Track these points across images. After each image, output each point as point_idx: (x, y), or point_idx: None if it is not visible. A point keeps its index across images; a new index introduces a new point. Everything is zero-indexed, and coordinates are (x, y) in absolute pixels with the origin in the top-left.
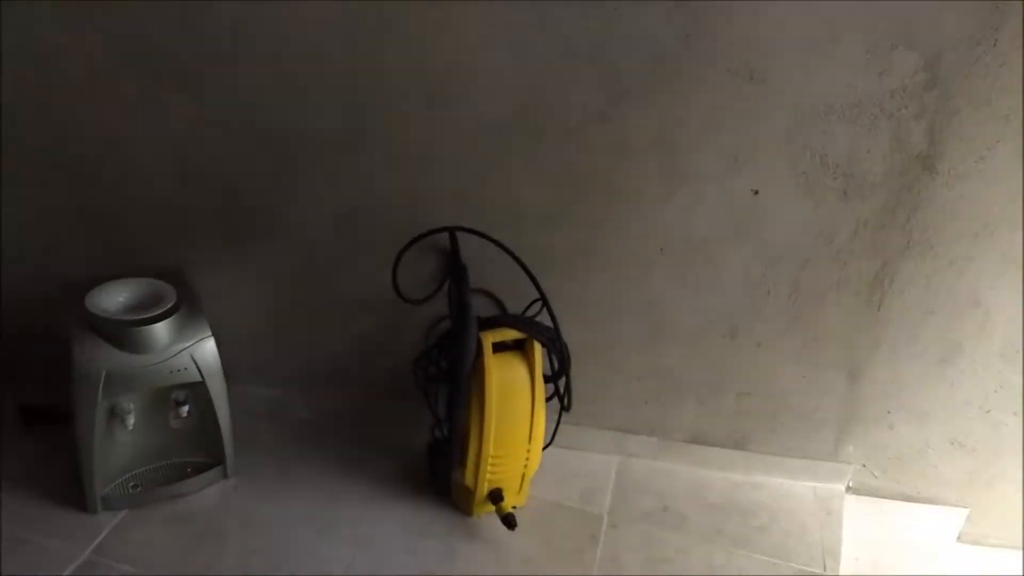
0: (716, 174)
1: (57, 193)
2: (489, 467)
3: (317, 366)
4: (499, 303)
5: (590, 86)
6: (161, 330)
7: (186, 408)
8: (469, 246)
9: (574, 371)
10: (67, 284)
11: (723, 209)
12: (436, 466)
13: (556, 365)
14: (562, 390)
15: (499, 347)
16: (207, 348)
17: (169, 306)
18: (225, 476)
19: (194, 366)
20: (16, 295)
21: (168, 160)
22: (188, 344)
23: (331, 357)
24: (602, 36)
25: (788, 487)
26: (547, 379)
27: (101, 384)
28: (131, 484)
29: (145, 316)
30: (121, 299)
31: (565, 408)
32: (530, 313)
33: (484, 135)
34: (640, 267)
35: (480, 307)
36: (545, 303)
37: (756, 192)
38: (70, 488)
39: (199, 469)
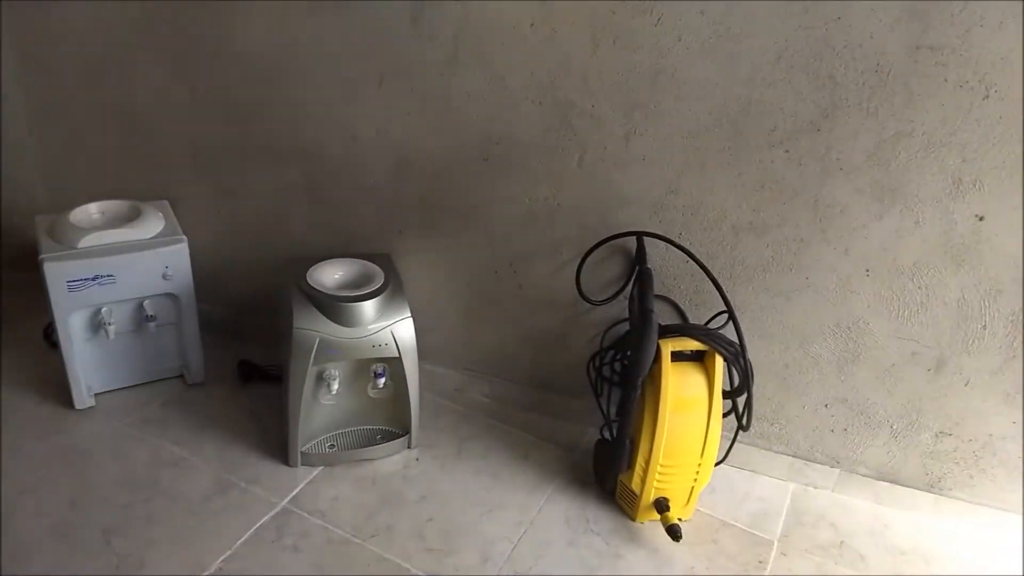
0: (935, 196)
1: (293, 176)
2: (657, 475)
3: (498, 355)
4: (681, 312)
5: (802, 95)
6: (369, 308)
7: (383, 380)
8: (655, 252)
9: (755, 390)
10: (292, 258)
11: (940, 233)
12: (603, 466)
13: (737, 381)
14: (741, 408)
15: (678, 356)
16: (406, 328)
17: (377, 287)
18: (409, 447)
19: (393, 343)
20: (248, 263)
21: (389, 154)
22: (390, 322)
23: (511, 347)
24: (820, 44)
25: (984, 540)
26: (726, 395)
27: (314, 351)
28: (328, 444)
29: (356, 294)
30: (337, 276)
31: (743, 427)
32: (713, 325)
33: (684, 140)
34: (841, 288)
35: (661, 314)
36: (731, 316)
37: (981, 218)
38: (275, 441)
39: (387, 437)
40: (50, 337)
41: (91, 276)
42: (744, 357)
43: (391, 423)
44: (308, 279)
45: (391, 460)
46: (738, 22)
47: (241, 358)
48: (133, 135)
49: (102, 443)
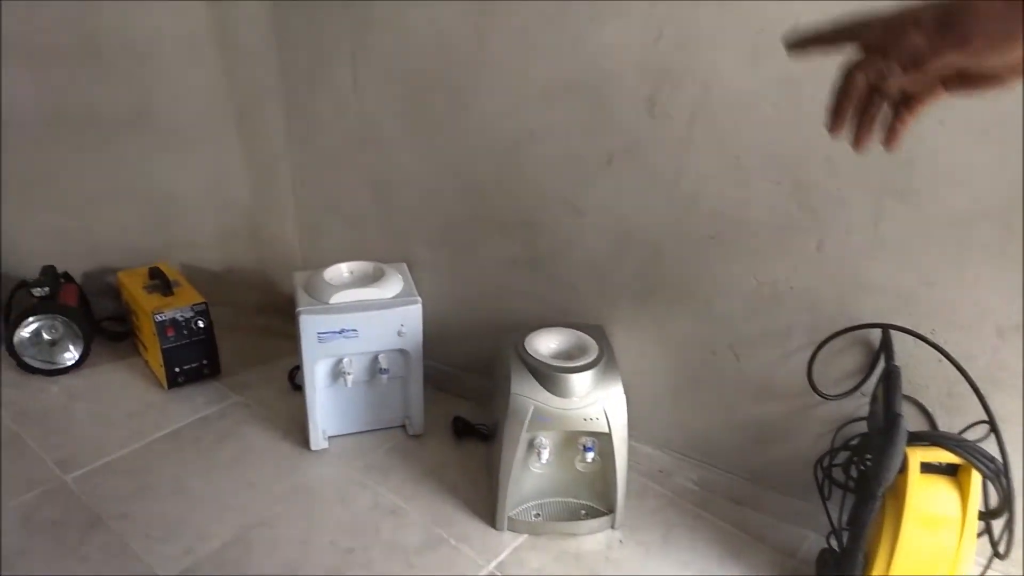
0: None
1: (517, 247)
2: None
3: (709, 440)
4: (929, 417)
5: None
6: (583, 379)
7: (591, 455)
8: (902, 347)
9: (1019, 513)
10: (512, 324)
11: None
12: None
13: (996, 502)
14: (998, 532)
15: (927, 468)
16: (617, 402)
17: (591, 359)
18: (612, 527)
19: (604, 417)
20: (471, 325)
21: (611, 228)
22: (602, 396)
23: (725, 434)
24: None
25: None
26: (981, 516)
27: (528, 418)
28: (534, 512)
29: (572, 365)
30: (552, 345)
31: (999, 555)
32: (969, 435)
33: (944, 230)
34: None
35: (907, 418)
36: (993, 427)
37: None
38: (483, 501)
39: (591, 514)
40: (294, 380)
41: (338, 329)
42: (1007, 475)
43: (596, 499)
44: (526, 346)
45: (594, 538)
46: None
47: (456, 415)
48: (382, 203)
49: (331, 485)
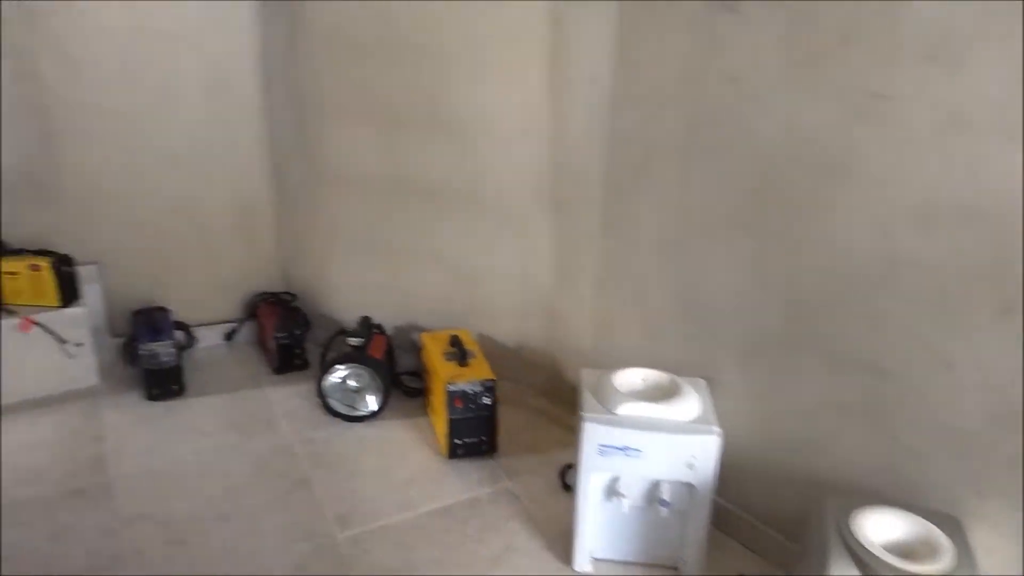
0: None
1: (852, 390)
2: None
3: None
4: None
5: None
6: None
7: None
8: None
9: None
10: (833, 488)
11: None
12: None
13: None
14: None
15: None
16: None
17: (943, 564)
18: None
19: None
20: (777, 469)
21: (991, 396)
22: None
23: None
24: None
25: None
26: None
27: None
28: None
29: (916, 570)
30: (890, 534)
31: None
32: None
33: None
34: None
35: None
36: None
37: None
38: None
39: None
40: (565, 478)
41: (621, 446)
42: None
43: None
44: (853, 527)
45: None
46: None
47: (741, 574)
48: (688, 308)
49: None
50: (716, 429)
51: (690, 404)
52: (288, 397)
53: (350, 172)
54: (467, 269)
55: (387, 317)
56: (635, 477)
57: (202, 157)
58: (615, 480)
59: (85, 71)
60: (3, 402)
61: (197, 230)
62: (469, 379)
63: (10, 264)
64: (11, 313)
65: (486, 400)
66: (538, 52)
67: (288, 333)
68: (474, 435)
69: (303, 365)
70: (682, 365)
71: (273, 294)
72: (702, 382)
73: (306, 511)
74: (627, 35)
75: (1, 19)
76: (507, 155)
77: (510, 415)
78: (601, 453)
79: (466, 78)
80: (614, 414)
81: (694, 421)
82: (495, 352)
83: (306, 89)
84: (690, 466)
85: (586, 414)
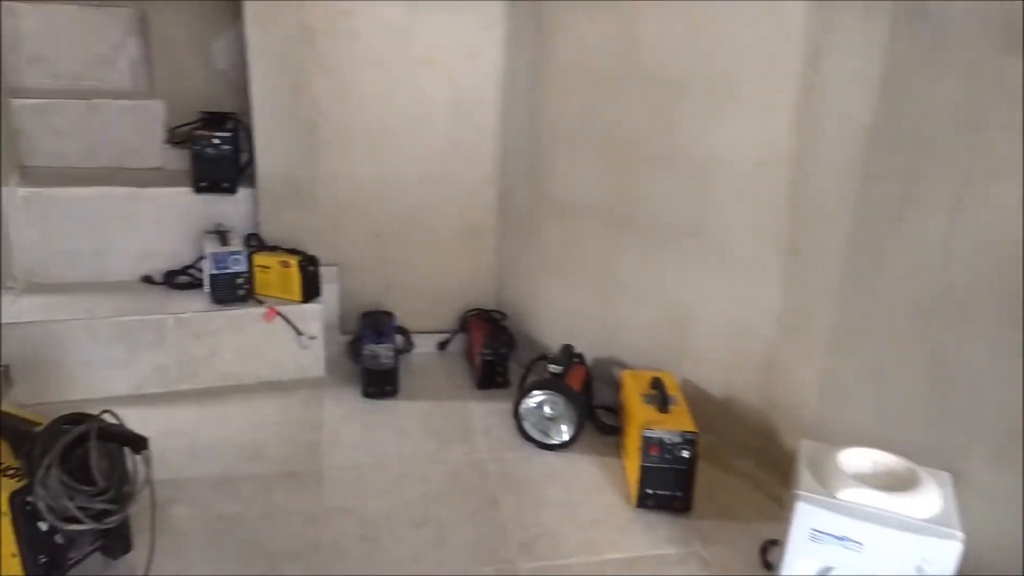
0: None
1: None
2: None
3: None
4: None
5: None
6: None
7: None
8: None
9: None
10: None
11: None
12: None
13: None
14: None
15: None
16: None
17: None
18: None
19: None
20: None
21: None
22: None
23: None
24: None
25: None
26: None
27: None
28: None
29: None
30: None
31: None
32: None
33: None
34: None
35: None
36: None
37: None
38: None
39: None
40: (766, 556)
41: (839, 535)
42: None
43: None
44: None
45: None
46: None
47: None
48: (937, 386)
49: None
50: (958, 533)
51: (928, 499)
52: (487, 413)
53: (573, 200)
54: (680, 309)
55: (589, 348)
56: (851, 572)
57: (441, 175)
58: (827, 570)
59: (350, 90)
60: (243, 382)
61: (427, 243)
62: (668, 427)
63: (264, 259)
64: (259, 303)
65: (684, 453)
66: (789, 86)
67: (493, 351)
68: (667, 487)
69: (504, 383)
70: (923, 452)
71: (485, 311)
72: (946, 475)
73: (492, 533)
74: (894, 72)
75: (284, 37)
76: (740, 192)
77: (709, 473)
78: (814, 539)
79: (707, 112)
80: (835, 498)
81: (931, 520)
82: (699, 401)
83: (541, 117)
84: (919, 571)
85: (801, 492)
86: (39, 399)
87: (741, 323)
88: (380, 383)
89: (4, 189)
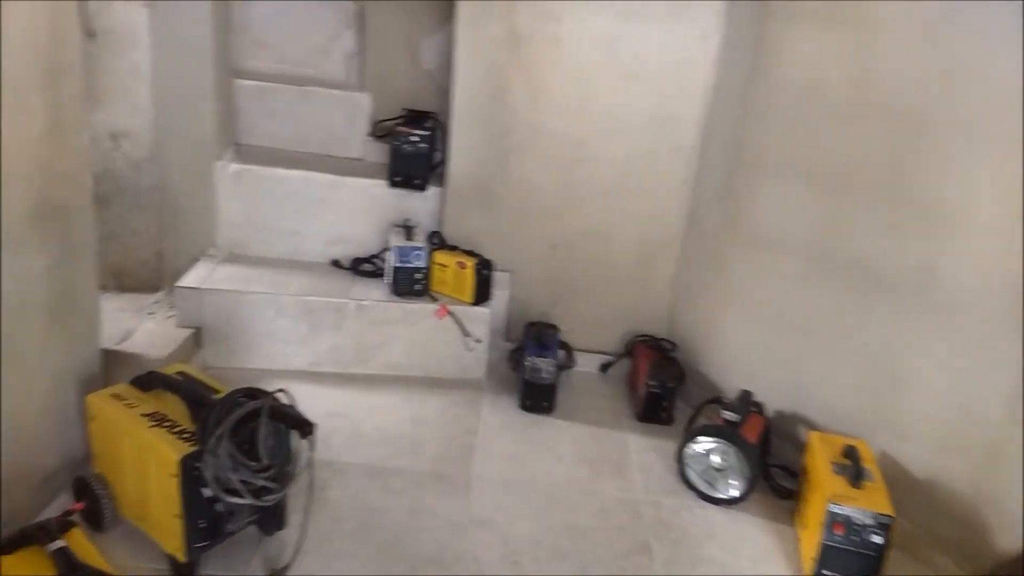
0: None
1: None
2: None
3: None
4: None
5: None
6: None
7: None
8: None
9: None
10: None
11: None
12: None
13: None
14: None
15: None
16: None
17: None
18: None
19: None
20: None
21: None
22: None
23: None
24: None
25: None
26: None
27: None
28: None
29: None
30: None
31: None
32: None
33: None
34: None
35: None
36: None
37: None
38: None
39: None
40: None
41: None
42: None
43: None
44: None
45: None
46: None
47: None
48: None
49: None
50: None
51: None
52: (646, 449)
53: (770, 232)
54: (885, 371)
55: (771, 398)
56: None
57: (626, 191)
58: None
59: (547, 97)
60: (407, 374)
61: (602, 260)
62: (860, 505)
63: (443, 257)
64: (433, 299)
65: (876, 538)
66: None
67: (660, 383)
68: (850, 572)
69: (668, 420)
70: None
71: (654, 338)
72: None
73: None
74: None
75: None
76: (980, 248)
77: (900, 562)
78: None
79: (946, 151)
80: None
81: None
82: (898, 480)
83: (746, 138)
84: None
85: None
86: (223, 363)
87: (961, 400)
88: (538, 397)
89: (218, 163)
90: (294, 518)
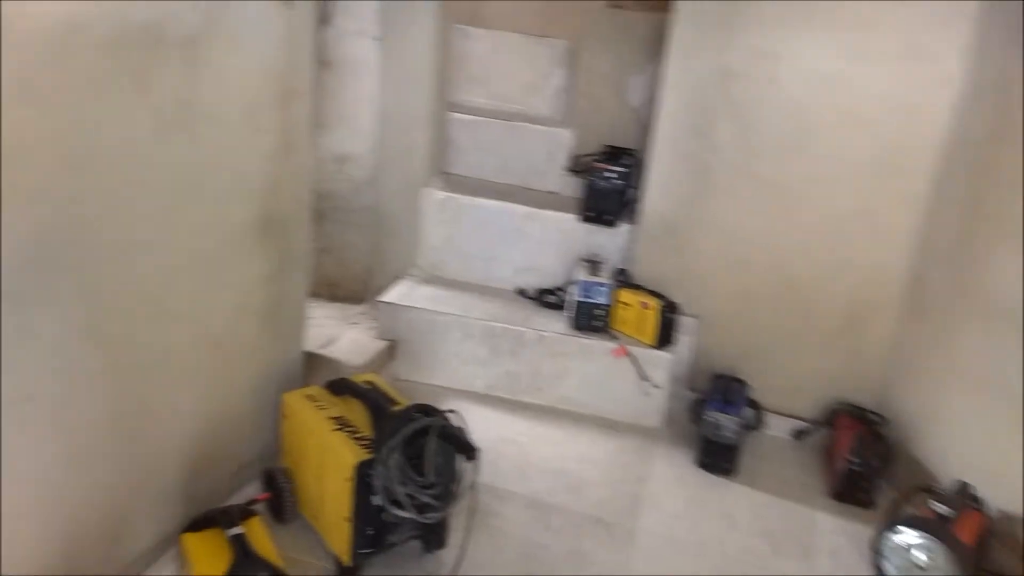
0: None
1: None
2: None
3: None
4: None
5: None
6: None
7: None
8: None
9: None
10: None
11: None
12: None
13: None
14: None
15: None
16: None
17: None
18: None
19: None
20: None
21: None
22: None
23: None
24: None
25: None
26: None
27: None
28: None
29: None
30: None
31: None
32: None
33: None
34: None
35: None
36: None
37: None
38: None
39: None
40: None
41: None
42: None
43: None
44: None
45: None
46: None
47: None
48: None
49: None
50: None
51: None
52: (837, 531)
53: (1008, 302)
54: None
55: (995, 495)
56: None
57: (837, 243)
58: None
59: (755, 137)
60: (579, 410)
61: (804, 315)
62: None
63: (627, 296)
64: (613, 338)
65: None
66: None
67: (863, 460)
68: None
69: (868, 502)
70: None
71: (860, 408)
72: None
73: None
74: None
75: (700, 77)
76: None
77: None
78: None
79: None
80: None
81: None
82: None
83: (988, 192)
84: None
85: None
86: (411, 377)
87: None
88: (718, 457)
89: (426, 190)
90: (455, 538)
